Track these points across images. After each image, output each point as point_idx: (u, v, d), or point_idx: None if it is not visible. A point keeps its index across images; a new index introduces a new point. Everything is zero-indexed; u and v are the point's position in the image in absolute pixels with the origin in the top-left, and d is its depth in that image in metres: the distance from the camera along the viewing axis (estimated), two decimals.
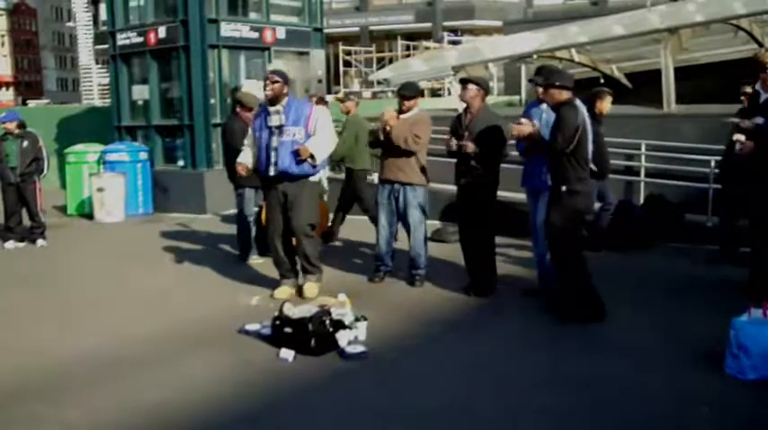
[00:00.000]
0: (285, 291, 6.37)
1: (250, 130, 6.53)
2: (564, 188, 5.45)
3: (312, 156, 6.11)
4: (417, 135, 6.44)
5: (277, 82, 6.13)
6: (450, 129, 6.43)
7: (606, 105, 7.57)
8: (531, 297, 6.17)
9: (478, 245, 6.34)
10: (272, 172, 6.19)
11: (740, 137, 5.98)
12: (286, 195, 6.26)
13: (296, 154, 6.08)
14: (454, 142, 6.18)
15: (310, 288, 6.36)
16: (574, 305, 5.55)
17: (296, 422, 4.05)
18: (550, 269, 5.91)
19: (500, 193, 6.49)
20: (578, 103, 5.53)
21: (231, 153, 7.83)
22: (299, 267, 6.55)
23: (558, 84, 5.51)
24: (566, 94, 5.49)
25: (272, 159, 6.16)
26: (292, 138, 6.13)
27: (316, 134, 6.21)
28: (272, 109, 6.17)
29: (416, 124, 6.53)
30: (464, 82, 6.36)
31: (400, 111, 6.61)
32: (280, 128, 6.14)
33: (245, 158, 6.50)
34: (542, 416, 4.06)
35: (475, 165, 6.13)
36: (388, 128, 6.47)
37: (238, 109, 7.91)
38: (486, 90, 6.37)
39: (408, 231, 6.76)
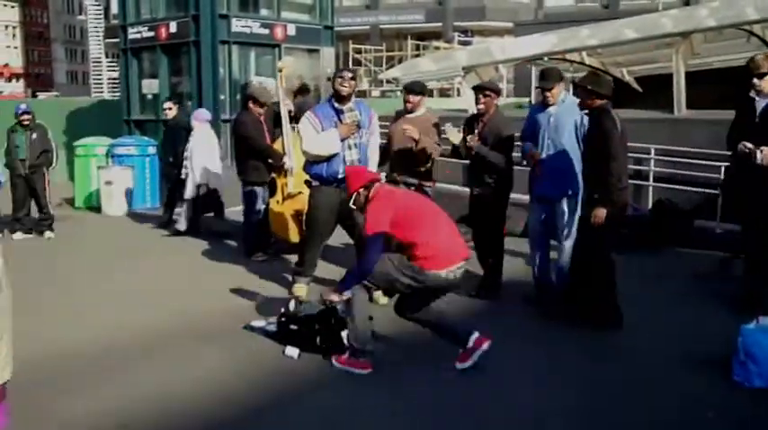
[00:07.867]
0: (303, 288, 6.19)
1: (314, 127, 5.88)
2: (597, 195, 5.30)
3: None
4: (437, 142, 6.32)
5: (354, 79, 5.83)
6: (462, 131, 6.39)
7: None
8: (532, 301, 6.14)
9: (490, 248, 6.34)
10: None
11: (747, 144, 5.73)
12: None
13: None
14: (471, 139, 6.11)
15: (380, 296, 6.05)
16: (593, 311, 5.45)
17: (300, 418, 4.06)
18: (548, 275, 5.99)
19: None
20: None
21: (243, 147, 7.76)
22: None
23: (588, 87, 5.29)
24: (597, 101, 5.28)
25: (349, 158, 5.79)
26: (360, 138, 5.87)
27: (372, 138, 5.97)
28: (345, 107, 5.81)
29: (430, 127, 6.38)
30: (479, 90, 6.23)
31: (406, 111, 6.44)
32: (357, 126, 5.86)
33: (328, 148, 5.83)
34: (542, 417, 4.06)
35: (487, 170, 6.12)
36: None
37: (251, 104, 7.72)
38: (498, 94, 6.34)
39: None
